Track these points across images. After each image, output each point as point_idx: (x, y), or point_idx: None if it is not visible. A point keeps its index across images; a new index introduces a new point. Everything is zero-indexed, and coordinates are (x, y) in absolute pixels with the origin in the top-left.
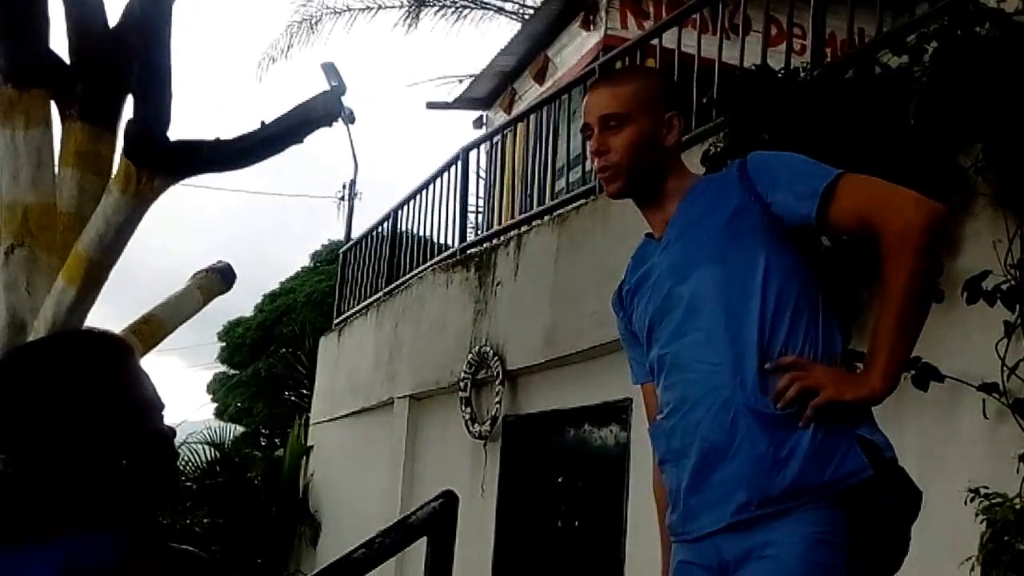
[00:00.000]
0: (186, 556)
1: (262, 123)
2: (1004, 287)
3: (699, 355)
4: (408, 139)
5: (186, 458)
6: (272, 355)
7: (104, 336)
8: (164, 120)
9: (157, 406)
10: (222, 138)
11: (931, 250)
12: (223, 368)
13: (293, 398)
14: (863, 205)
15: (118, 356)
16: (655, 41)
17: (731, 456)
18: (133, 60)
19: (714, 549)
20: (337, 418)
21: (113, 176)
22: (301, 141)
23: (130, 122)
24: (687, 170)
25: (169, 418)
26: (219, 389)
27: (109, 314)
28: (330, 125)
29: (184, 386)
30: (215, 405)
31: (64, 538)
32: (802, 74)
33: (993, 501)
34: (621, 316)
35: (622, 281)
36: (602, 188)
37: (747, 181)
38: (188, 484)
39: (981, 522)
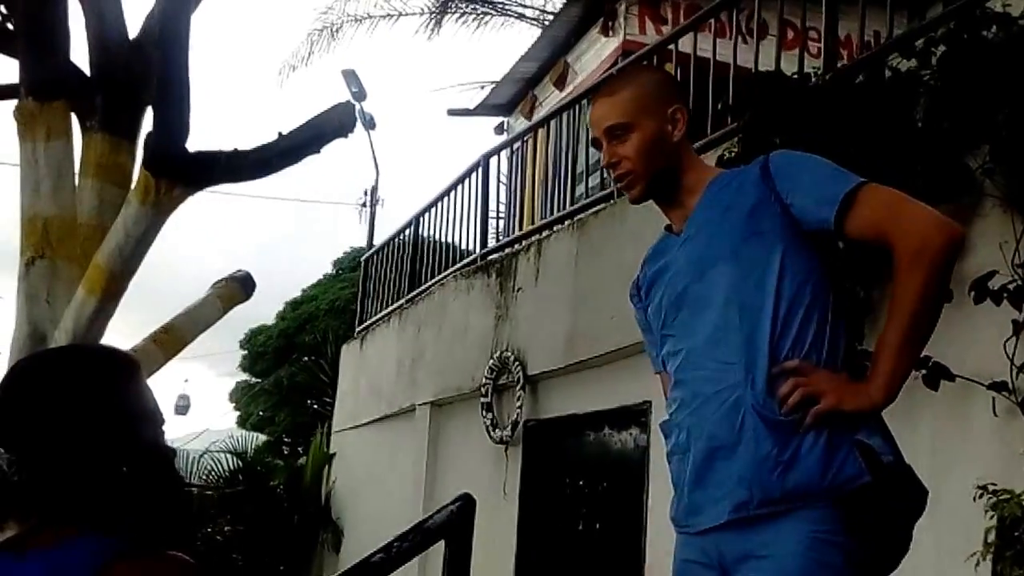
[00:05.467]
0: (171, 560)
1: (279, 134)
2: (1011, 287)
3: (712, 353)
4: (430, 146)
5: (208, 467)
6: (294, 363)
7: (111, 351)
8: (183, 131)
9: (158, 420)
10: (240, 149)
11: (944, 271)
12: (245, 376)
13: (315, 406)
14: (882, 217)
15: (122, 370)
16: (672, 46)
17: (735, 455)
18: (152, 72)
19: (715, 548)
20: (360, 425)
21: (133, 187)
22: (318, 152)
23: (149, 134)
24: (701, 162)
25: (194, 426)
26: (241, 397)
27: (135, 322)
28: (345, 136)
29: (210, 394)
30: (237, 413)
31: (51, 547)
32: (814, 79)
33: (1001, 497)
34: (639, 306)
35: (639, 273)
36: (620, 192)
37: (768, 180)
38: (209, 493)
39: (991, 518)
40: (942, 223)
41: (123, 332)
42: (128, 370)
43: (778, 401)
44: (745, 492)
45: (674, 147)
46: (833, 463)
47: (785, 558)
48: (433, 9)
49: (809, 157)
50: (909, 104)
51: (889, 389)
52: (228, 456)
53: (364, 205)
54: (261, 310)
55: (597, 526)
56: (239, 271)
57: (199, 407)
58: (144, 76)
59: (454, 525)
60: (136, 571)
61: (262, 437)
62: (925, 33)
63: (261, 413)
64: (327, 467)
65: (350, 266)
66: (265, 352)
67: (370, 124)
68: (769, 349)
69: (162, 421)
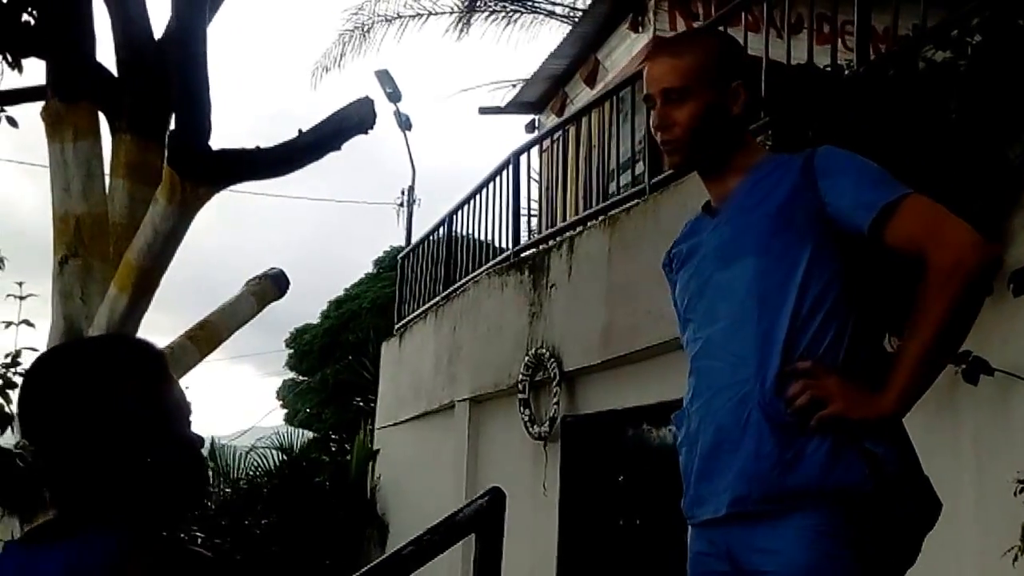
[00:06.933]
0: (187, 555)
1: (299, 132)
2: None
3: (728, 345)
4: (466, 144)
5: (255, 463)
6: (338, 361)
7: (139, 343)
8: (205, 130)
9: (185, 412)
10: (262, 147)
11: (976, 291)
12: (292, 375)
13: (360, 403)
14: (920, 230)
15: (150, 362)
16: None
17: (739, 449)
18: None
19: (723, 541)
20: (401, 422)
21: (159, 186)
22: (338, 148)
23: (171, 133)
24: (755, 143)
25: (240, 424)
26: (288, 395)
27: (191, 321)
28: (366, 132)
29: (257, 392)
30: (284, 411)
31: (72, 538)
32: (847, 71)
33: None
34: (670, 278)
35: (673, 247)
36: (652, 189)
37: (811, 173)
38: (254, 488)
39: None
40: (980, 243)
41: (177, 330)
42: (153, 360)
43: (785, 401)
44: (744, 487)
45: (730, 123)
46: (836, 468)
47: (793, 552)
48: (462, 8)
49: (856, 158)
50: (945, 95)
51: (900, 403)
52: (274, 452)
53: (401, 205)
54: (307, 309)
55: (638, 522)
56: (273, 268)
57: (245, 405)
58: (170, 76)
59: (484, 519)
60: (153, 564)
61: (309, 434)
62: (960, 23)
63: (308, 411)
64: (371, 463)
65: (390, 265)
66: (311, 351)
67: (406, 125)
68: (784, 347)
69: (189, 411)
